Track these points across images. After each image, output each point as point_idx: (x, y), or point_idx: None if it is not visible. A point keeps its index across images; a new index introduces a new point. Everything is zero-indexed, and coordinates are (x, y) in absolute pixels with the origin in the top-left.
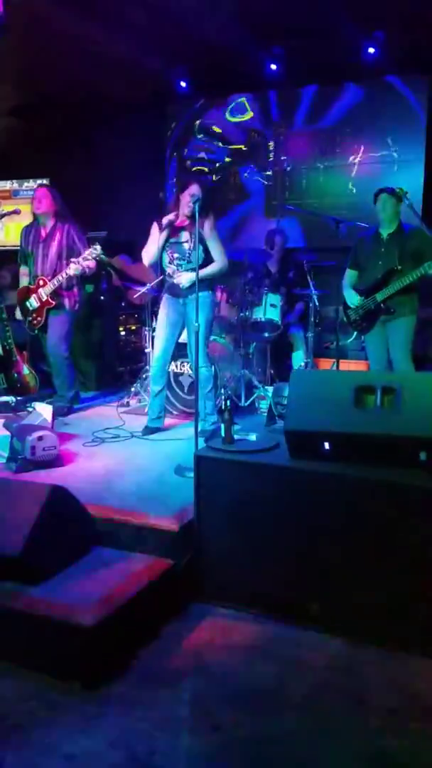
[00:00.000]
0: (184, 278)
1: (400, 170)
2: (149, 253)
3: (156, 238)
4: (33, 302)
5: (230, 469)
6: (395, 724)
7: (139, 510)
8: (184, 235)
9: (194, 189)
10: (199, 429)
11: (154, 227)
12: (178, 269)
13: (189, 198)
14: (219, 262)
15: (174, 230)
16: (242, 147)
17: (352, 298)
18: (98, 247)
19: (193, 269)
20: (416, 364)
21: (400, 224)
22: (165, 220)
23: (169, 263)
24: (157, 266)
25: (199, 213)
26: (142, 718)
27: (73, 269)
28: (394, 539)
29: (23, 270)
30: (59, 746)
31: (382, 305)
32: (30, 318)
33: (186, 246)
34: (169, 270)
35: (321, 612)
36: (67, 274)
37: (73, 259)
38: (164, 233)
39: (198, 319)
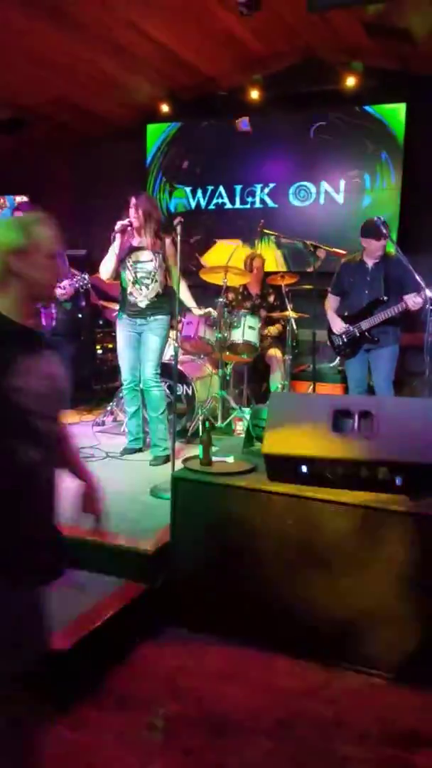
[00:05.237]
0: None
1: (378, 197)
2: (107, 267)
3: (112, 252)
4: None
5: (207, 491)
6: (371, 751)
7: (114, 531)
8: (146, 254)
9: (134, 201)
10: (152, 456)
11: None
12: (141, 288)
13: (132, 210)
14: (184, 284)
15: (134, 249)
16: (219, 171)
17: (337, 325)
18: (87, 276)
19: (157, 292)
20: (394, 388)
21: (383, 253)
22: (117, 226)
23: (133, 283)
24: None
25: (160, 232)
26: (113, 743)
27: (58, 293)
28: (370, 563)
29: None
30: None
31: (367, 334)
32: None
33: (150, 265)
34: (130, 289)
35: (295, 636)
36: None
37: (59, 284)
38: (116, 242)
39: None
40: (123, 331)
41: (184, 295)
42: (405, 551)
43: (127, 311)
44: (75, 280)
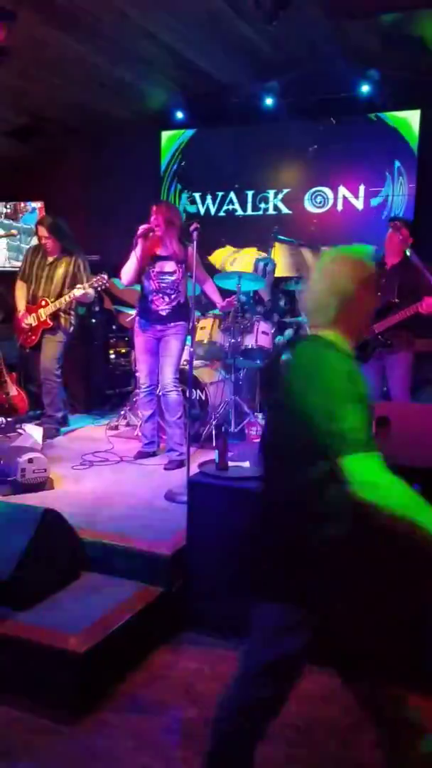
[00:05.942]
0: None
1: (392, 203)
2: (128, 273)
3: (134, 257)
4: (30, 320)
5: (223, 496)
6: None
7: (130, 535)
8: (170, 265)
9: (155, 208)
10: (168, 460)
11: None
12: (164, 297)
13: (153, 218)
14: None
15: (158, 259)
16: (229, 177)
17: None
18: (105, 276)
19: (178, 301)
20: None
21: (404, 256)
22: (140, 230)
23: (156, 291)
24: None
25: (184, 241)
26: (130, 746)
27: (78, 293)
28: (385, 570)
29: (20, 284)
30: None
31: (379, 337)
32: (25, 336)
33: (174, 276)
34: (152, 297)
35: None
36: (71, 297)
37: (79, 285)
38: (138, 247)
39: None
40: (142, 336)
41: (210, 289)
42: (421, 560)
43: (148, 317)
44: (95, 280)
